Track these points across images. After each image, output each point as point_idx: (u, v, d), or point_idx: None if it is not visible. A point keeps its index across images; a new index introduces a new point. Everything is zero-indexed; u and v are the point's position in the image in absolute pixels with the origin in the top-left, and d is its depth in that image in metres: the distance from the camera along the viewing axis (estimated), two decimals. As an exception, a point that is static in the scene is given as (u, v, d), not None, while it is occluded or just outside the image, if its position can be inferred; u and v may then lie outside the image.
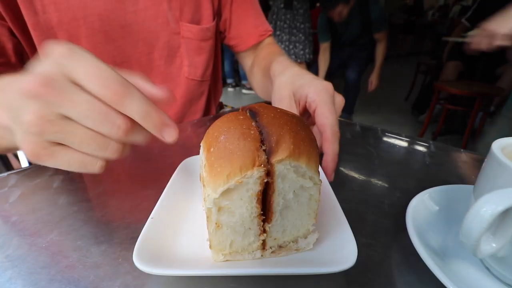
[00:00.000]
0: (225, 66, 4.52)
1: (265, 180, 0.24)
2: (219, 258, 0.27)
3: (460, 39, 2.94)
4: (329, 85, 0.43)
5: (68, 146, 0.26)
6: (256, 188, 0.25)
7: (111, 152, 0.27)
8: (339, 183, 0.45)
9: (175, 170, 0.41)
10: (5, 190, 0.43)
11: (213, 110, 0.90)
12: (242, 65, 0.91)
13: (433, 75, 3.52)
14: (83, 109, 0.24)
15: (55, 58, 0.24)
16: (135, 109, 0.25)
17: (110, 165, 0.29)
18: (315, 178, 0.26)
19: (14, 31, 0.56)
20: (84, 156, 0.27)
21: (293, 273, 0.25)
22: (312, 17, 5.47)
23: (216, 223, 0.26)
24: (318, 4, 5.46)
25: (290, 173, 0.25)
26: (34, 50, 0.61)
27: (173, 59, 0.74)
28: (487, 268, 0.29)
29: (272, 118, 0.27)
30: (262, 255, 0.28)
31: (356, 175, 0.48)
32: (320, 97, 0.41)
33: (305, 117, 0.46)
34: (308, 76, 0.46)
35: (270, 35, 0.84)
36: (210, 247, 0.27)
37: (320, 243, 0.30)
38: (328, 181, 0.38)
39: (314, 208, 0.28)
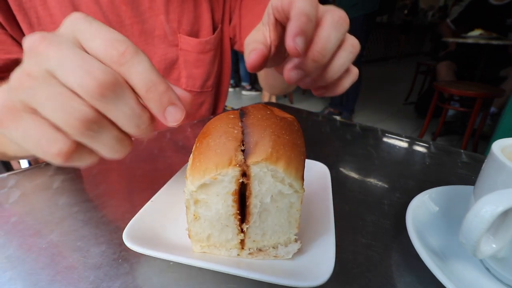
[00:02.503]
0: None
1: (240, 181, 0.24)
2: (197, 249, 0.28)
3: (460, 40, 2.96)
4: None
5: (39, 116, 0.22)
6: (232, 186, 0.25)
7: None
8: (339, 184, 0.45)
9: (174, 171, 0.41)
10: (5, 190, 0.43)
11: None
12: None
13: (433, 76, 3.53)
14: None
15: (70, 21, 0.24)
16: (140, 75, 0.22)
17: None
18: (296, 185, 0.26)
19: (18, 40, 0.55)
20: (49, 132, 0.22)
21: (260, 279, 0.25)
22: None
23: (194, 215, 0.27)
24: (318, 5, 5.47)
25: (267, 176, 0.25)
26: None
27: (171, 71, 0.72)
28: (487, 269, 0.29)
29: (258, 119, 0.27)
30: (239, 254, 0.29)
31: (356, 176, 0.48)
32: None
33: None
34: None
35: None
36: (189, 236, 0.28)
37: (301, 253, 0.29)
38: (291, 43, 0.28)
39: (296, 216, 0.28)
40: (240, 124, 0.27)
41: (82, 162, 0.24)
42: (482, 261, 0.30)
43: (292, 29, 0.28)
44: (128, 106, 0.22)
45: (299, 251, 0.29)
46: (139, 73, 0.23)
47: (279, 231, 0.28)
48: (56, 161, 0.23)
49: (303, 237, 0.30)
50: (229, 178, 0.24)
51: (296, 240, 0.29)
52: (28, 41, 0.22)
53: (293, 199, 0.27)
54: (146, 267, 0.29)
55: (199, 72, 0.75)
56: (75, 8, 0.57)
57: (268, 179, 0.25)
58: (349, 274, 0.29)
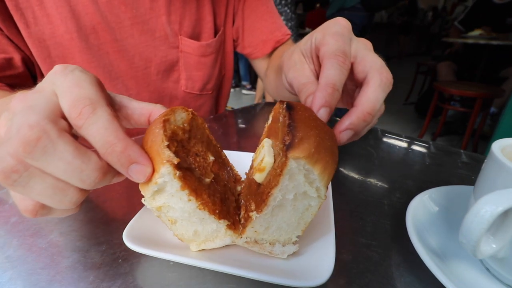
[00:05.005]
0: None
1: (178, 174, 0.24)
2: (194, 248, 0.29)
3: (460, 40, 2.96)
4: (341, 18, 0.36)
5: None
6: (176, 183, 0.24)
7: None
8: (339, 184, 0.45)
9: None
10: (5, 191, 0.43)
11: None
12: (257, 71, 0.88)
13: (433, 76, 3.53)
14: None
15: (51, 74, 0.25)
16: (95, 137, 0.23)
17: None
18: (321, 191, 0.26)
19: (15, 41, 0.55)
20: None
21: (260, 279, 0.25)
22: (311, 19, 5.47)
23: (168, 220, 0.27)
24: (318, 5, 5.48)
25: (300, 175, 0.25)
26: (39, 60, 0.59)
27: (171, 72, 0.71)
28: (487, 269, 0.29)
29: (305, 117, 0.27)
30: (234, 242, 0.28)
31: (356, 176, 0.48)
32: (325, 31, 0.34)
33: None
34: None
35: (289, 38, 0.80)
36: (180, 240, 0.29)
37: (301, 253, 0.29)
38: (316, 112, 0.30)
39: (307, 220, 0.28)
40: (172, 120, 0.27)
41: (55, 216, 0.26)
42: (482, 261, 0.30)
43: (317, 97, 0.30)
44: (63, 161, 0.22)
45: (299, 251, 0.29)
46: (94, 134, 0.23)
47: (284, 229, 0.28)
48: (25, 215, 0.24)
49: (303, 237, 0.30)
50: (168, 177, 0.24)
51: (295, 243, 0.29)
52: (13, 100, 0.24)
53: (313, 203, 0.26)
54: (146, 267, 0.30)
55: (199, 74, 0.74)
56: (72, 8, 0.56)
57: (300, 178, 0.25)
58: (349, 274, 0.29)
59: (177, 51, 0.69)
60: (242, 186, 0.35)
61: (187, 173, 0.26)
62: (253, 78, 4.68)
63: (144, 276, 0.29)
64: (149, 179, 0.24)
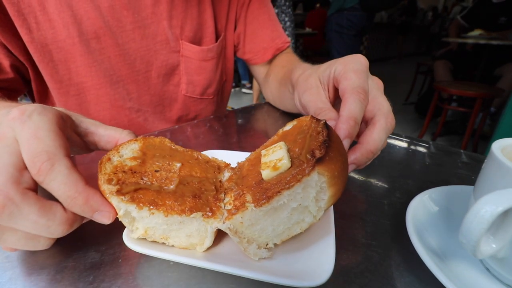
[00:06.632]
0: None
1: (124, 198, 0.26)
2: (200, 249, 0.29)
3: (460, 40, 2.96)
4: (361, 56, 0.39)
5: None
6: (131, 206, 0.26)
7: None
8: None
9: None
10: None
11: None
12: (255, 75, 0.89)
13: (433, 76, 3.53)
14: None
15: (10, 120, 0.26)
16: (57, 192, 0.25)
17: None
18: (320, 213, 0.27)
19: (9, 47, 0.54)
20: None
21: (261, 279, 0.25)
22: (311, 19, 5.47)
23: (162, 238, 0.28)
24: (318, 5, 5.48)
25: (313, 189, 0.25)
26: (34, 66, 0.59)
27: (171, 77, 0.71)
28: (487, 269, 0.29)
29: (338, 142, 0.29)
30: (217, 227, 0.28)
31: (356, 176, 0.48)
32: (347, 65, 0.37)
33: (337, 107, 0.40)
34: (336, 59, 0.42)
35: (288, 46, 0.82)
36: (185, 248, 0.29)
37: (301, 253, 0.29)
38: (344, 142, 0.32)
39: (292, 233, 0.28)
40: (115, 157, 0.30)
41: (33, 249, 0.28)
42: (482, 261, 0.30)
43: (340, 128, 0.33)
44: (29, 221, 0.24)
45: (300, 251, 0.29)
46: (56, 190, 0.25)
47: (268, 232, 0.28)
48: (6, 251, 0.28)
49: (303, 237, 0.30)
50: (123, 205, 0.26)
51: (269, 249, 0.29)
52: None
53: (307, 219, 0.27)
54: (146, 267, 0.30)
55: (200, 79, 0.74)
56: (74, 13, 0.56)
57: (311, 192, 0.26)
58: (349, 274, 0.29)
59: (178, 55, 0.70)
60: (231, 173, 0.36)
61: (141, 192, 0.27)
62: (252, 77, 4.68)
63: (144, 276, 0.29)
64: (115, 217, 0.27)
